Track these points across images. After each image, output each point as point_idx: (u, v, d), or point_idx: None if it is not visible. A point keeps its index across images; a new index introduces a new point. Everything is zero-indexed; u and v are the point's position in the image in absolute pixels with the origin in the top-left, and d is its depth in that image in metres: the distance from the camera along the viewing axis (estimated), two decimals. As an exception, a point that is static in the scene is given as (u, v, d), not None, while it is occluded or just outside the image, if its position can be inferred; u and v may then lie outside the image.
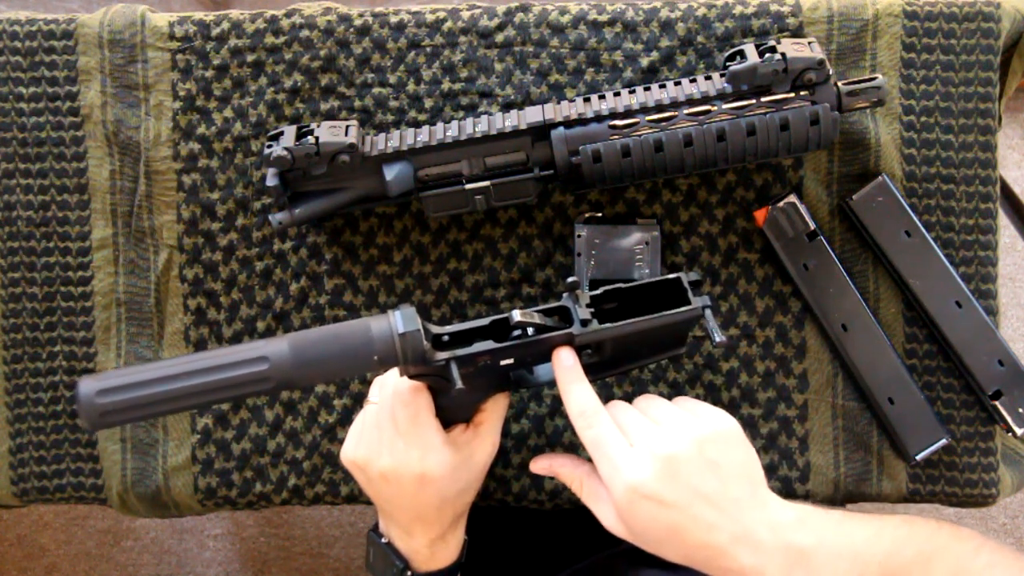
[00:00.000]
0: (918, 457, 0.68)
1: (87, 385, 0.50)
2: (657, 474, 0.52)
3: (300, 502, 0.74)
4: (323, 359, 0.53)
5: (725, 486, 0.53)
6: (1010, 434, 0.69)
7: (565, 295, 0.59)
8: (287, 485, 0.73)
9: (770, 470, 0.71)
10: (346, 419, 0.73)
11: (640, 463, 0.52)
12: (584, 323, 0.57)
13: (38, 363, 0.75)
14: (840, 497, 0.71)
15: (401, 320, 0.54)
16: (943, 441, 0.68)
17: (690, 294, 0.58)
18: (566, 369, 0.57)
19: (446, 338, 0.57)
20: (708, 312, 0.58)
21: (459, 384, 0.54)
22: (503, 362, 0.57)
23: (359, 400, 0.73)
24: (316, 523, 1.50)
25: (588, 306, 0.58)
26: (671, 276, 0.59)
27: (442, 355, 0.55)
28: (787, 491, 0.71)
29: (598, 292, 0.59)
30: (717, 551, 0.52)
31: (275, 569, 1.50)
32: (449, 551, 0.63)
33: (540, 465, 0.62)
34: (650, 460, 0.52)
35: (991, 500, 0.71)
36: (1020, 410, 0.68)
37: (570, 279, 0.58)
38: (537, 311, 0.58)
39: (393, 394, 0.59)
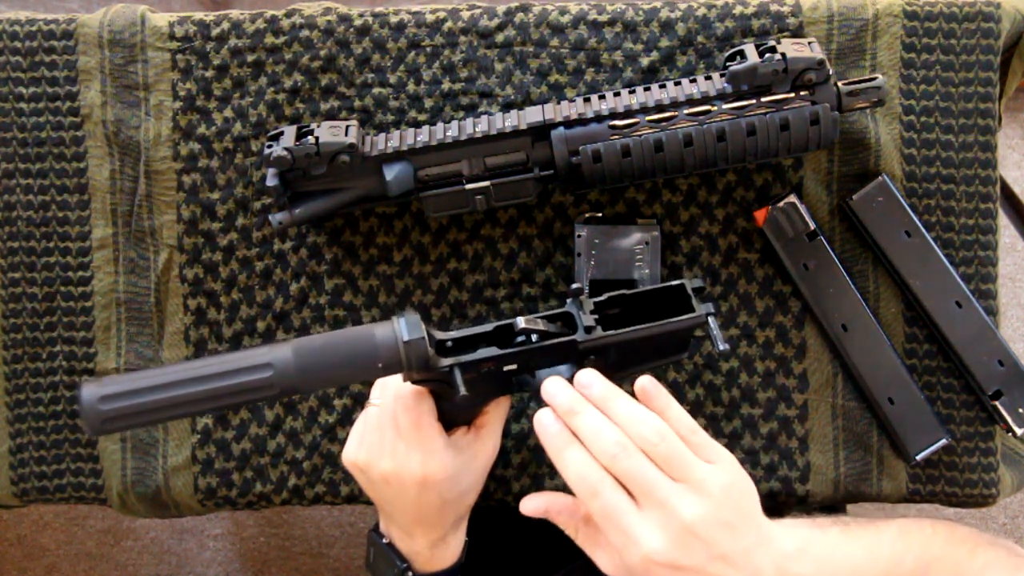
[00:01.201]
0: (918, 457, 0.68)
1: (89, 391, 0.50)
2: (673, 544, 0.50)
3: (300, 502, 0.74)
4: (327, 366, 0.52)
5: (737, 540, 0.52)
6: (1010, 434, 0.69)
7: (569, 301, 0.59)
8: (287, 485, 0.73)
9: (770, 470, 0.71)
10: (346, 419, 0.73)
11: (656, 533, 0.50)
12: (588, 330, 0.57)
13: (38, 363, 0.75)
14: (840, 497, 0.71)
15: (405, 327, 0.54)
16: (943, 441, 0.68)
17: (694, 301, 0.58)
18: (553, 435, 0.53)
19: (449, 344, 0.57)
20: (712, 319, 0.58)
21: (463, 391, 0.54)
22: (506, 368, 0.57)
23: (359, 401, 0.73)
24: (316, 523, 1.50)
25: (592, 312, 0.58)
26: (675, 283, 0.59)
27: (446, 361, 0.55)
28: (787, 491, 0.71)
29: (602, 298, 0.59)
30: None
31: (275, 569, 1.50)
32: (450, 552, 0.63)
33: (533, 506, 0.59)
34: (666, 529, 0.50)
35: (991, 500, 0.71)
36: (1020, 410, 0.68)
37: (574, 285, 0.58)
38: (541, 317, 0.58)
39: (395, 398, 0.59)
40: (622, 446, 0.51)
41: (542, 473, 0.72)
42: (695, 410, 0.71)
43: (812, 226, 0.69)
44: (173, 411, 0.51)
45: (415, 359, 0.53)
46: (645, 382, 0.54)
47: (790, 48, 0.62)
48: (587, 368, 0.55)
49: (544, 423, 0.53)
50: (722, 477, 0.52)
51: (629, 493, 0.52)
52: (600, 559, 0.56)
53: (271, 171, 0.65)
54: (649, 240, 0.69)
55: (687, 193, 0.71)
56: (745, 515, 0.53)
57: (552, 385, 0.54)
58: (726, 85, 0.63)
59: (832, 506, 0.82)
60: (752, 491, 0.55)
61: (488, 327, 0.57)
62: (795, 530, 0.55)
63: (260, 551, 1.50)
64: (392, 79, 0.72)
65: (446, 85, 0.71)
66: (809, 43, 0.63)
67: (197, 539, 1.51)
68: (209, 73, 0.72)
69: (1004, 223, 0.88)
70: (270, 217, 0.67)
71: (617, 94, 0.65)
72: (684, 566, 0.51)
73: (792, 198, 0.69)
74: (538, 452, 0.72)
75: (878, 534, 0.57)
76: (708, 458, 0.53)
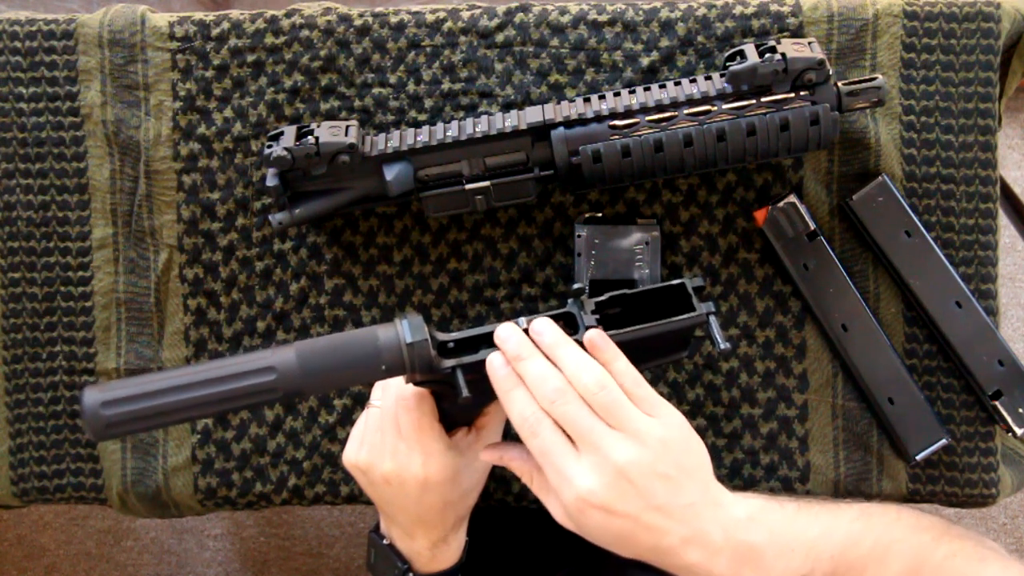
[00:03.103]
0: (918, 457, 0.68)
1: (91, 396, 0.50)
2: (607, 486, 0.51)
3: (300, 502, 0.74)
4: (330, 369, 0.52)
5: (676, 495, 0.52)
6: (1010, 434, 0.69)
7: (570, 301, 0.59)
8: (287, 485, 0.73)
9: (770, 470, 0.71)
10: (346, 419, 0.73)
11: (589, 474, 0.52)
12: (589, 329, 0.57)
13: (38, 363, 0.75)
14: (840, 497, 0.71)
15: (409, 329, 0.54)
16: (943, 441, 0.68)
17: (695, 300, 0.58)
18: (500, 378, 0.55)
19: (451, 345, 0.57)
20: (712, 319, 0.58)
21: (465, 392, 0.54)
22: None
23: (360, 401, 0.73)
24: (316, 523, 1.50)
25: (593, 312, 0.58)
26: (675, 282, 0.59)
27: (448, 363, 0.55)
28: (787, 491, 0.71)
29: (603, 298, 0.59)
30: (667, 551, 0.53)
31: (275, 569, 1.50)
32: (450, 553, 0.63)
33: (491, 454, 0.61)
34: (599, 471, 0.51)
35: (991, 500, 0.71)
36: (1020, 410, 0.68)
37: (575, 285, 0.58)
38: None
39: (396, 399, 0.59)
40: (561, 392, 0.53)
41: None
42: (695, 410, 0.71)
43: (812, 226, 0.69)
44: (176, 416, 0.51)
45: (418, 361, 0.53)
46: (593, 335, 0.56)
47: (790, 48, 0.62)
48: (542, 317, 0.56)
49: (494, 366, 0.55)
50: (660, 430, 0.53)
51: (571, 440, 0.53)
52: (551, 505, 0.56)
53: (271, 171, 0.65)
54: (649, 240, 0.69)
55: (687, 193, 0.71)
56: (687, 471, 0.53)
57: (504, 331, 0.55)
58: (726, 85, 0.63)
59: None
60: (699, 451, 0.55)
61: (490, 328, 0.57)
62: (749, 500, 0.55)
63: (260, 551, 1.50)
64: (392, 79, 0.72)
65: (446, 85, 0.71)
66: (809, 43, 0.63)
67: (197, 539, 1.51)
68: (209, 73, 0.72)
69: (1004, 223, 0.88)
70: (270, 217, 0.67)
71: (617, 94, 0.65)
72: (618, 511, 0.52)
73: (792, 198, 0.69)
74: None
75: (837, 512, 0.56)
76: (650, 412, 0.54)
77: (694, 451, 0.55)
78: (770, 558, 0.53)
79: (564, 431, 0.53)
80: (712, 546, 0.53)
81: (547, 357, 0.55)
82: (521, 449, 0.59)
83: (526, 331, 0.56)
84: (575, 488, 0.52)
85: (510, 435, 0.72)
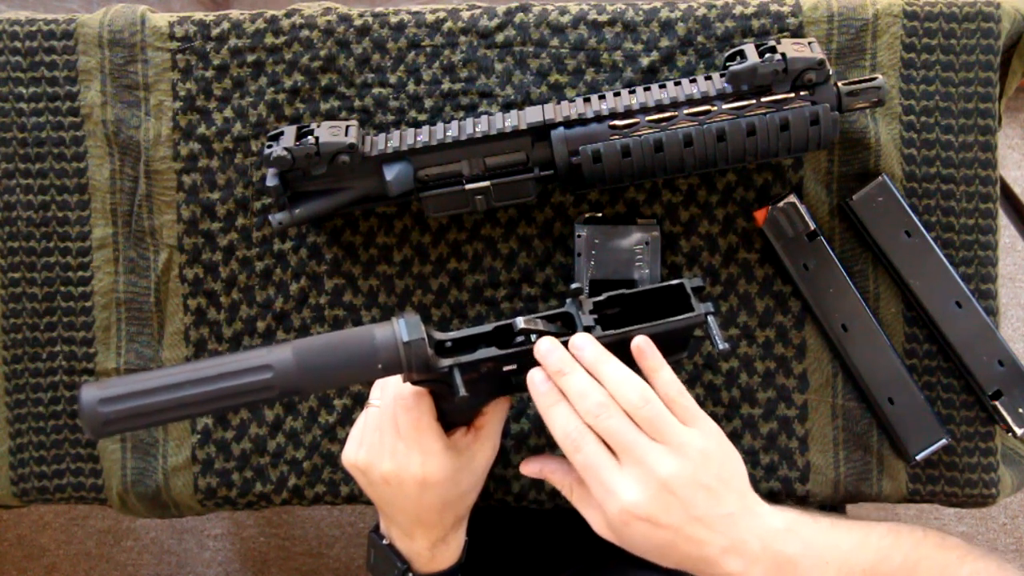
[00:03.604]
0: (918, 457, 0.68)
1: (89, 394, 0.50)
2: (651, 498, 0.52)
3: (300, 502, 0.74)
4: (327, 367, 0.53)
5: (716, 505, 0.53)
6: (1010, 434, 0.69)
7: (568, 301, 0.59)
8: (287, 485, 0.73)
9: (770, 470, 0.71)
10: (346, 419, 0.73)
11: (633, 486, 0.52)
12: (587, 329, 0.57)
13: (38, 363, 0.75)
14: (840, 497, 0.71)
15: (405, 328, 0.54)
16: (943, 441, 0.68)
17: (693, 300, 0.58)
18: (542, 394, 0.55)
19: (449, 344, 0.57)
20: (711, 319, 0.58)
21: (463, 392, 0.54)
22: (506, 368, 0.57)
23: (359, 400, 0.73)
24: (316, 523, 1.50)
25: (591, 312, 0.58)
26: (674, 282, 0.59)
27: (446, 362, 0.55)
28: (787, 491, 0.71)
29: (601, 298, 0.59)
30: (707, 561, 0.53)
31: (275, 569, 1.50)
32: (450, 552, 0.63)
33: (530, 468, 0.62)
34: (644, 484, 0.52)
35: (991, 500, 0.71)
36: (1020, 410, 0.68)
37: (574, 285, 0.58)
38: (540, 317, 0.58)
39: (395, 398, 0.59)
40: (604, 406, 0.53)
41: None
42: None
43: (812, 226, 0.69)
44: (173, 413, 0.51)
45: (415, 360, 0.53)
46: (641, 342, 0.56)
47: (790, 48, 0.62)
48: (582, 332, 0.57)
49: (535, 381, 0.56)
50: (701, 442, 0.54)
51: (612, 452, 0.54)
52: (591, 517, 0.57)
53: (271, 171, 0.65)
54: (649, 240, 0.69)
55: (687, 193, 0.71)
56: (725, 482, 0.54)
57: (544, 345, 0.56)
58: (726, 85, 0.63)
59: (832, 507, 0.82)
60: (736, 462, 0.56)
61: (487, 327, 0.57)
62: (784, 512, 0.56)
63: (260, 551, 1.50)
64: (392, 79, 0.72)
65: (446, 85, 0.71)
66: (809, 43, 0.63)
67: (197, 539, 1.51)
68: (209, 73, 0.72)
69: (1004, 223, 0.88)
70: (270, 217, 0.67)
71: (617, 94, 0.65)
72: (662, 523, 0.52)
73: (792, 198, 0.69)
74: (538, 452, 0.72)
75: (868, 528, 0.57)
76: (690, 422, 0.55)
77: (731, 460, 0.56)
78: (805, 569, 0.54)
79: (606, 444, 0.54)
80: (750, 555, 0.53)
81: (588, 372, 0.55)
82: (560, 462, 0.60)
83: (555, 336, 0.56)
84: (620, 501, 0.52)
85: (510, 436, 0.72)
